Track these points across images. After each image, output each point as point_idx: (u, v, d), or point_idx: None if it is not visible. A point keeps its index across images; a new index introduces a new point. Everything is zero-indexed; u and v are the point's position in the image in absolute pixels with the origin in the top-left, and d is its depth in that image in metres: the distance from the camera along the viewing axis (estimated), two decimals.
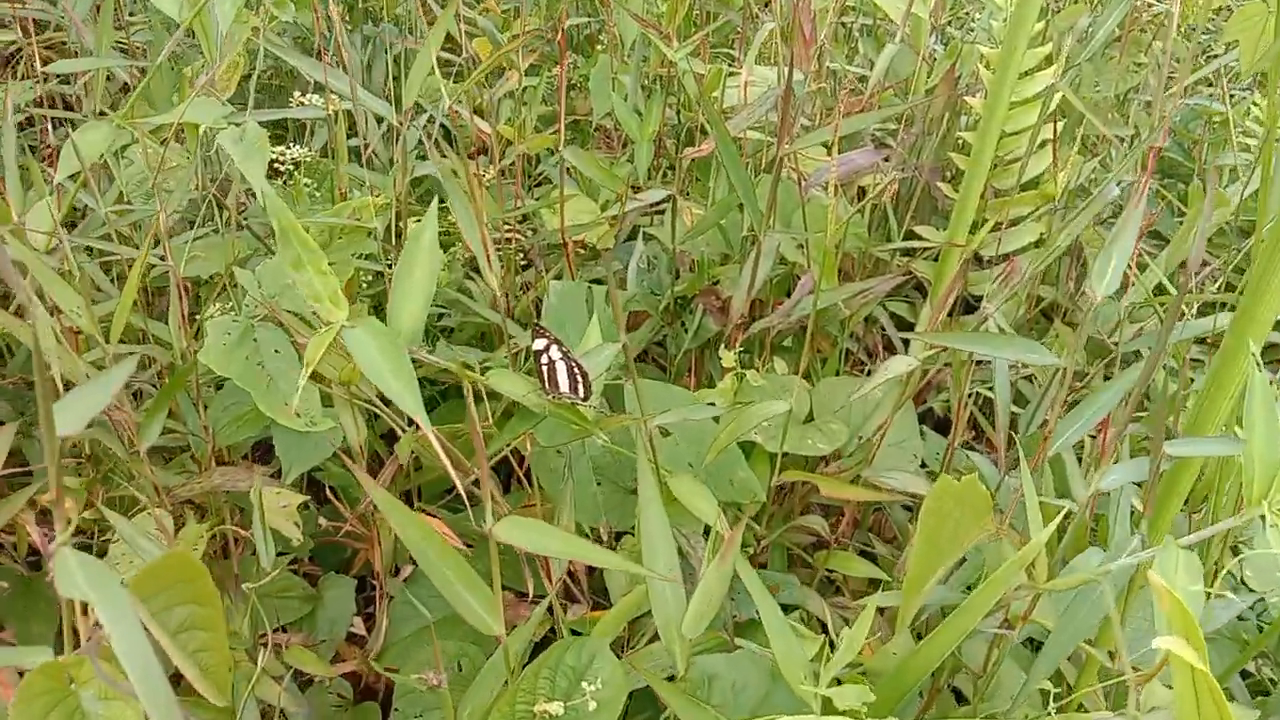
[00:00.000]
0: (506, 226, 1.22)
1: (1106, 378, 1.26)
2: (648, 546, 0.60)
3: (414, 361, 0.63)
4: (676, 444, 0.82)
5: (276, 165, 1.10)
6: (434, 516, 1.07)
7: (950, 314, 1.22)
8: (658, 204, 1.13)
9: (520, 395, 0.63)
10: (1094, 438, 0.93)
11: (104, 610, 0.42)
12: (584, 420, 0.62)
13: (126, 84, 1.62)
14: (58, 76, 1.82)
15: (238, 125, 0.93)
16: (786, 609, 0.83)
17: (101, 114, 1.17)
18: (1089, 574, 0.53)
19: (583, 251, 1.29)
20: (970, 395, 1.01)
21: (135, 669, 0.42)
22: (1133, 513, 0.76)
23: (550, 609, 0.80)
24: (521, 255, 1.28)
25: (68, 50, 1.72)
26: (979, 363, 0.98)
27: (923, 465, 0.98)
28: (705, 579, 0.55)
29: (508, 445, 0.70)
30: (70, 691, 0.48)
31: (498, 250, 1.23)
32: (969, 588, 0.76)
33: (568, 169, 1.23)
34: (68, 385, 0.84)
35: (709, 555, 0.62)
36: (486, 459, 0.70)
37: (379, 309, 1.05)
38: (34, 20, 1.73)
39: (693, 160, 1.22)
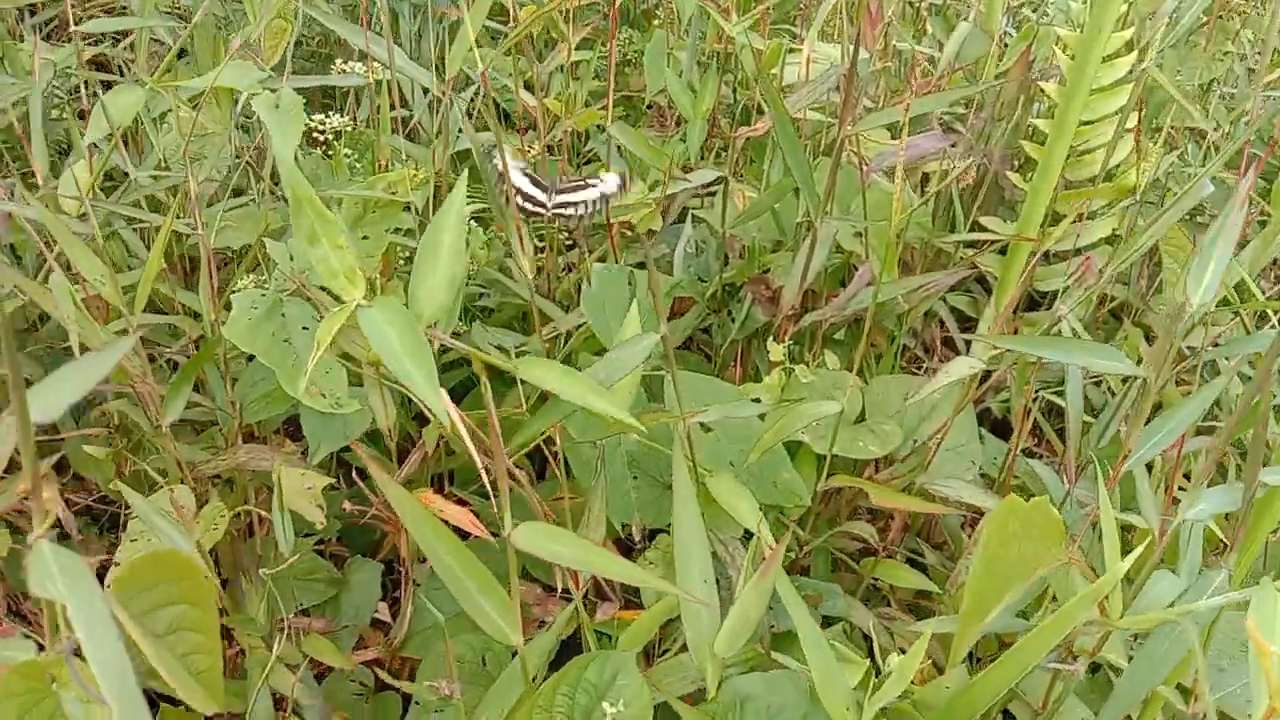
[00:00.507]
0: None
1: (1178, 383, 1.19)
2: (681, 556, 0.56)
3: (445, 346, 0.59)
4: (718, 441, 0.77)
5: (316, 134, 1.07)
6: (465, 503, 1.03)
7: (1015, 311, 1.16)
8: (709, 185, 1.07)
9: (552, 386, 0.58)
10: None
11: (78, 614, 0.38)
12: (619, 417, 0.57)
13: (184, 49, 1.60)
14: (113, 39, 1.81)
15: (274, 91, 0.89)
16: (830, 621, 0.78)
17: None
18: (1169, 615, 0.48)
19: (629, 233, 1.24)
20: (1033, 397, 0.95)
21: (109, 681, 0.38)
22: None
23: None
24: (566, 235, 1.24)
25: (128, 14, 1.70)
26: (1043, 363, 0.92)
27: (981, 473, 0.92)
28: (743, 597, 0.51)
29: (538, 437, 0.66)
30: (50, 692, 0.45)
31: (541, 229, 1.18)
32: (1024, 612, 0.71)
33: (616, 147, 1.18)
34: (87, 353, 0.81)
35: (748, 567, 0.58)
36: (509, 452, 0.66)
37: None
38: None
39: (747, 140, 1.16)
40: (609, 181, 0.93)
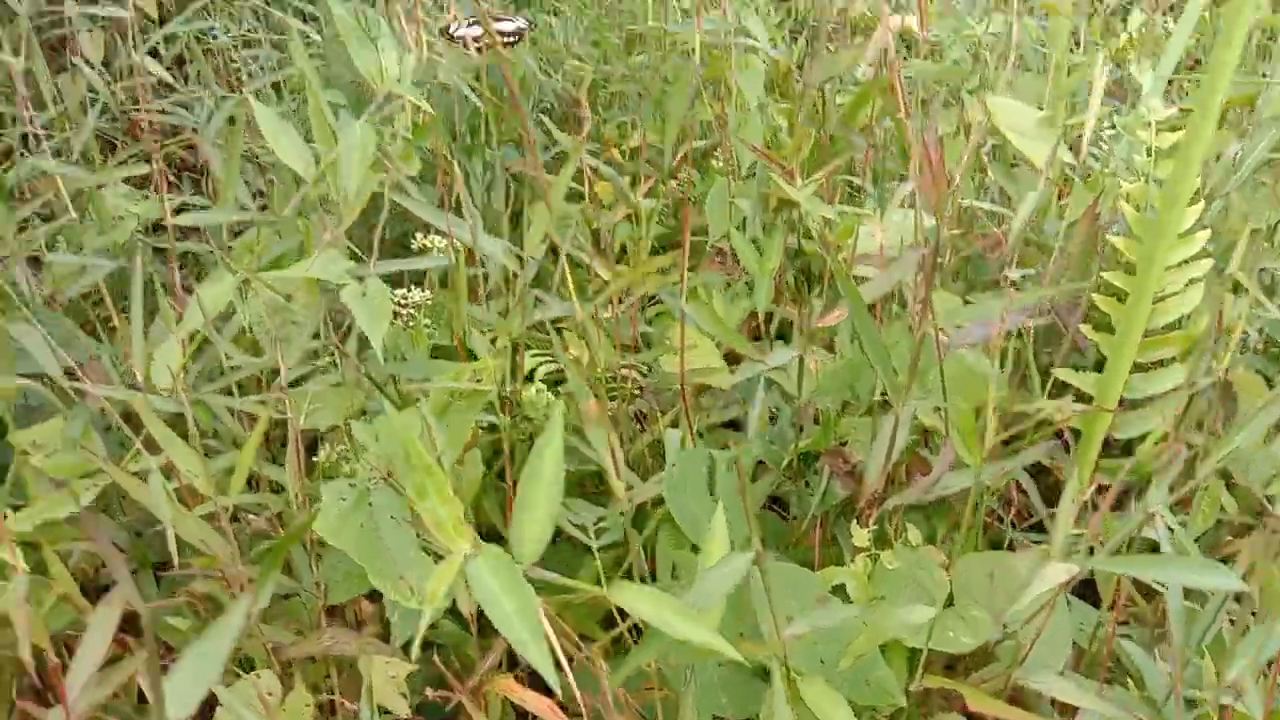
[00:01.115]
0: (622, 365, 1.19)
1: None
2: None
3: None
4: (809, 640, 0.77)
5: (397, 307, 1.10)
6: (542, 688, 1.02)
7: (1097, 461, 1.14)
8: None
9: (644, 613, 0.58)
10: None
11: None
12: (716, 648, 0.57)
13: (260, 191, 1.67)
14: (193, 179, 1.89)
15: (360, 280, 0.92)
16: None
17: (232, 240, 1.19)
18: None
19: (702, 388, 1.25)
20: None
21: None
22: None
23: None
24: (637, 390, 1.25)
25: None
26: None
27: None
28: None
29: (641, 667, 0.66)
30: None
31: (611, 389, 1.20)
32: None
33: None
34: (180, 546, 0.83)
35: None
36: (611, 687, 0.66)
37: (500, 474, 1.03)
38: (173, 126, 1.80)
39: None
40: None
